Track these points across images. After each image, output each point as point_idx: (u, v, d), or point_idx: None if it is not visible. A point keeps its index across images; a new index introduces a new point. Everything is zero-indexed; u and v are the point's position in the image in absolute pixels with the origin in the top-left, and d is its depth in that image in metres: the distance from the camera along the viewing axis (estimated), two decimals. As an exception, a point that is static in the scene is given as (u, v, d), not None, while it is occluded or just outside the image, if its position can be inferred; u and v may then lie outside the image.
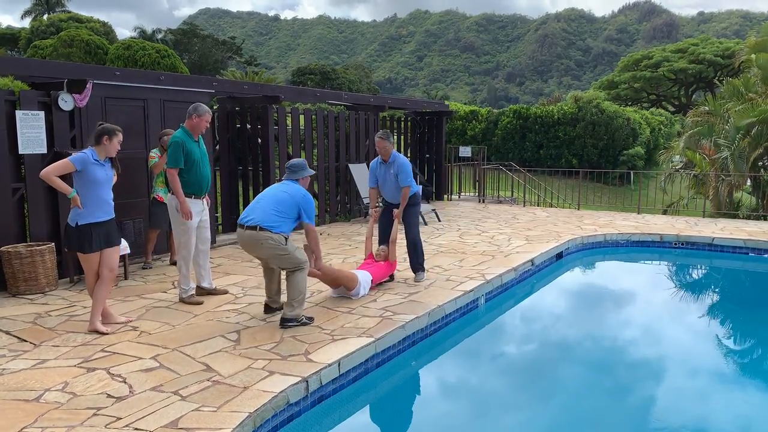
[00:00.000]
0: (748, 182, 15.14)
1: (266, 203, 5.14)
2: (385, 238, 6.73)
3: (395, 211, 6.63)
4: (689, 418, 4.39)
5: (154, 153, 7.22)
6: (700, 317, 7.09)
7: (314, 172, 5.83)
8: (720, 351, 5.99)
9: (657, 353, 5.71)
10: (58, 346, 4.72)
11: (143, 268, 7.34)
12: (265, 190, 5.45)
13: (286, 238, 5.10)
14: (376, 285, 6.42)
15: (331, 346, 4.66)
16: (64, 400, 3.77)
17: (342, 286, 5.96)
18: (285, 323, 5.15)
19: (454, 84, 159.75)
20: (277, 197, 5.17)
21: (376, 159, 6.85)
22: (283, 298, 5.39)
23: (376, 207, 6.85)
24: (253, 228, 5.01)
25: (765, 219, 12.70)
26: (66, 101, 6.72)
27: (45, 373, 4.20)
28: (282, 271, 5.37)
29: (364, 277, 6.12)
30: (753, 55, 15.86)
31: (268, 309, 5.56)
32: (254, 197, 10.11)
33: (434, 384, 5.20)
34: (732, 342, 6.34)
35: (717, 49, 45.49)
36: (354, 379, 4.55)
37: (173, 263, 7.57)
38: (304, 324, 5.19)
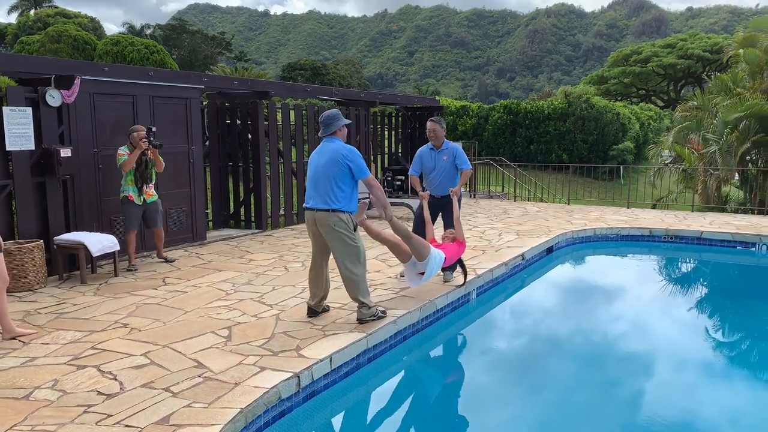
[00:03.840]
0: (736, 176, 15.27)
1: (324, 183, 4.94)
2: (422, 231, 6.41)
3: (452, 189, 6.41)
4: (678, 410, 4.43)
5: (123, 150, 6.95)
6: (689, 310, 7.15)
7: (350, 121, 5.46)
8: (708, 344, 6.04)
9: (646, 347, 5.75)
10: (47, 343, 4.69)
11: (128, 270, 7.08)
12: (310, 168, 5.11)
13: (355, 225, 5.03)
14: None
15: (323, 342, 4.66)
16: (54, 398, 3.75)
17: (412, 256, 5.43)
18: (362, 322, 5.09)
19: (445, 79, 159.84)
20: (328, 172, 4.93)
21: (424, 146, 6.68)
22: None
23: (424, 191, 6.52)
24: (326, 210, 4.92)
25: (753, 213, 12.81)
26: (54, 97, 6.66)
27: (35, 370, 4.17)
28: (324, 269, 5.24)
29: (438, 254, 5.62)
30: (741, 51, 15.99)
31: (312, 312, 5.31)
32: (244, 194, 10.19)
33: (426, 378, 5.22)
34: (720, 335, 6.40)
35: (705, 44, 45.79)
36: (346, 375, 4.55)
37: (163, 259, 7.52)
38: (380, 318, 5.15)
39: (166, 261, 7.50)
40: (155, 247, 7.61)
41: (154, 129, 7.08)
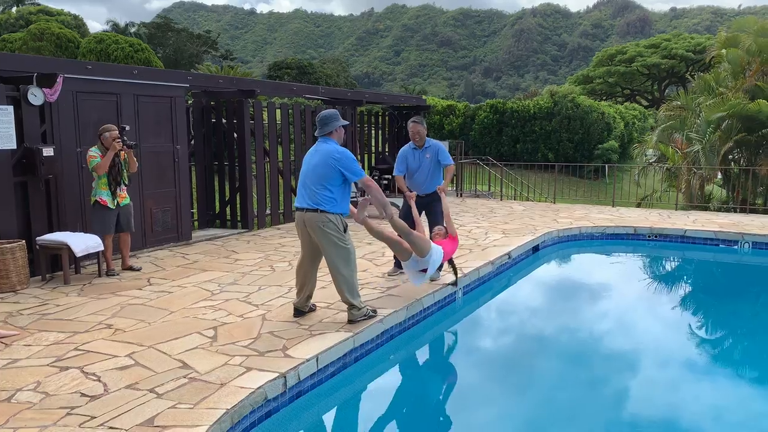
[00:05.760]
0: (719, 175, 15.46)
1: (313, 183, 4.90)
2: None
3: (440, 186, 6.44)
4: (663, 407, 4.47)
5: (95, 152, 6.60)
6: (673, 308, 7.22)
7: (347, 122, 5.39)
8: (692, 341, 6.10)
9: (631, 344, 5.80)
10: (30, 345, 4.63)
11: (108, 275, 6.82)
12: (303, 167, 5.07)
13: (345, 226, 4.97)
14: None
15: (309, 342, 4.65)
16: (37, 400, 3.70)
17: (412, 253, 5.44)
18: (353, 323, 5.05)
19: (432, 79, 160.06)
20: (317, 173, 4.89)
21: (406, 146, 6.67)
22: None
23: (410, 191, 6.51)
24: (314, 210, 4.86)
25: (735, 211, 12.97)
26: (36, 96, 6.57)
27: (17, 372, 4.12)
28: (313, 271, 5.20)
29: (438, 249, 5.62)
30: (723, 51, 16.18)
31: (299, 312, 5.27)
32: (230, 193, 10.13)
33: (412, 377, 5.22)
34: (704, 332, 6.47)
35: (689, 44, 46.28)
36: (332, 374, 4.54)
37: (128, 267, 7.05)
38: (371, 317, 5.13)
39: (132, 269, 7.01)
40: (120, 254, 7.11)
41: (127, 128, 6.87)
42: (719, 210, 13.45)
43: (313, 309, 5.40)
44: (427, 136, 6.73)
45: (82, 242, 6.52)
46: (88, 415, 3.50)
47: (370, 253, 7.97)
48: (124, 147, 6.68)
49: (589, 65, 54.04)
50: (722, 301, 7.65)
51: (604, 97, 46.02)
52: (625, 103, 38.48)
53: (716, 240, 9.47)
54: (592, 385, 4.90)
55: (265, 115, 10.48)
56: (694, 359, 5.55)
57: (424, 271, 5.63)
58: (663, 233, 9.82)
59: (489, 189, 16.85)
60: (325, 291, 5.99)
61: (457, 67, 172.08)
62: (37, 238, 6.61)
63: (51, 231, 6.82)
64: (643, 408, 4.43)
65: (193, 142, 9.91)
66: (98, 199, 6.72)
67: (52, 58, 10.26)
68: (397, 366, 5.29)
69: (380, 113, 14.69)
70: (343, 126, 5.12)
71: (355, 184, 5.55)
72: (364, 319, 5.09)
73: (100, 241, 6.70)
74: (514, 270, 8.11)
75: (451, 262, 6.25)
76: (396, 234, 5.50)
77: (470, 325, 6.44)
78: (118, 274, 6.87)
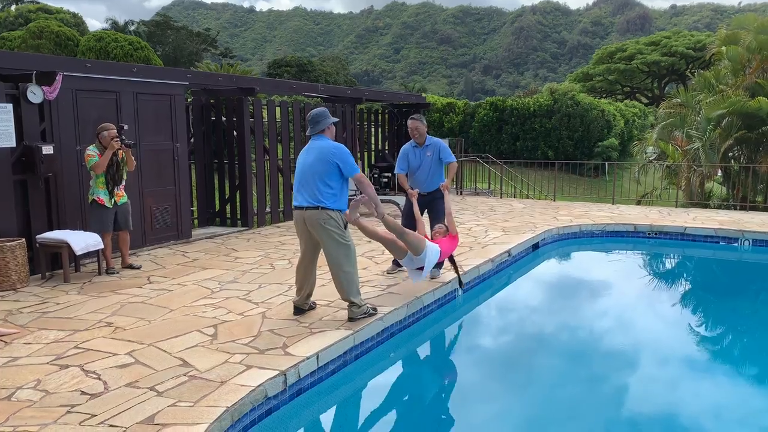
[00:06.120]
0: (719, 172, 15.44)
1: (312, 181, 4.89)
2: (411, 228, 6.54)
3: (443, 183, 6.46)
4: (663, 405, 4.47)
5: (92, 151, 6.57)
6: (673, 306, 7.22)
7: (338, 119, 5.44)
8: (692, 339, 6.10)
9: (631, 342, 5.80)
10: (30, 343, 4.63)
11: (108, 273, 6.80)
12: (298, 166, 5.07)
13: (346, 223, 4.97)
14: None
15: (310, 339, 4.64)
16: (37, 398, 3.70)
17: (408, 251, 5.45)
18: (353, 320, 5.04)
19: (432, 76, 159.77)
20: (314, 170, 4.89)
21: (407, 144, 6.67)
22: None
23: (412, 190, 6.50)
24: (315, 207, 4.86)
25: (735, 208, 12.96)
26: (35, 94, 6.56)
27: (17, 371, 4.12)
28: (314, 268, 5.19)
29: (433, 247, 5.62)
30: (723, 48, 16.16)
31: (299, 310, 5.28)
32: (230, 191, 10.12)
33: (413, 375, 5.22)
34: (704, 329, 6.47)
35: (689, 41, 46.22)
36: (332, 372, 4.54)
37: (128, 266, 7.05)
38: (371, 314, 5.13)
39: (131, 267, 7.01)
40: (120, 252, 7.09)
41: (125, 127, 6.85)
42: (719, 207, 13.44)
43: (313, 307, 5.40)
44: (427, 133, 6.72)
45: (82, 240, 6.52)
46: (89, 413, 3.50)
47: (370, 251, 7.96)
48: (123, 146, 6.66)
49: (589, 63, 53.98)
50: (722, 298, 7.65)
51: (604, 95, 45.99)
52: (625, 101, 38.42)
53: (716, 237, 9.47)
54: (592, 383, 4.90)
55: (264, 113, 10.47)
56: (694, 356, 5.55)
57: (421, 269, 5.63)
58: (663, 231, 9.81)
59: (489, 187, 16.84)
60: (325, 289, 5.98)
61: (456, 65, 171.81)
62: (37, 236, 6.60)
63: (51, 229, 6.82)
64: (643, 405, 4.43)
65: (192, 140, 9.90)
66: (96, 198, 6.71)
67: (51, 56, 10.25)
68: (397, 364, 5.29)
69: (380, 111, 14.67)
70: (334, 123, 5.15)
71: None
72: (364, 317, 5.09)
73: (99, 239, 6.69)
74: (514, 268, 8.11)
75: (452, 260, 6.23)
76: (390, 233, 5.50)
77: (470, 322, 6.44)
78: (117, 273, 6.87)
